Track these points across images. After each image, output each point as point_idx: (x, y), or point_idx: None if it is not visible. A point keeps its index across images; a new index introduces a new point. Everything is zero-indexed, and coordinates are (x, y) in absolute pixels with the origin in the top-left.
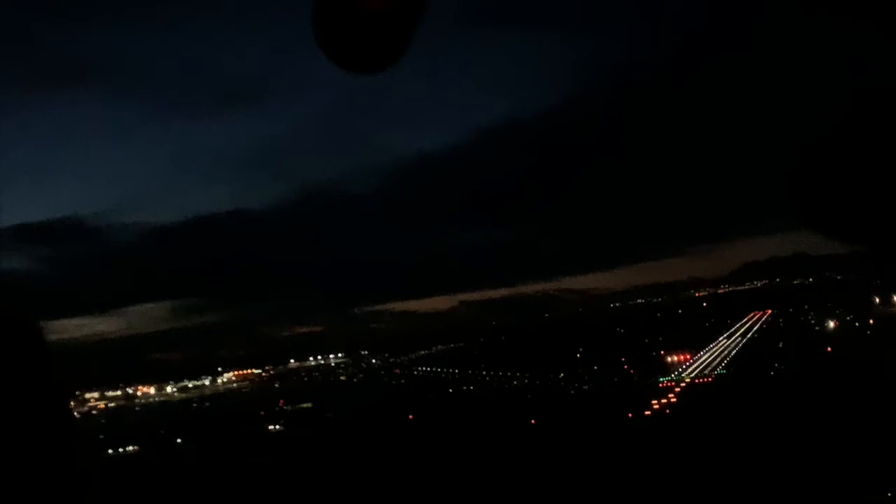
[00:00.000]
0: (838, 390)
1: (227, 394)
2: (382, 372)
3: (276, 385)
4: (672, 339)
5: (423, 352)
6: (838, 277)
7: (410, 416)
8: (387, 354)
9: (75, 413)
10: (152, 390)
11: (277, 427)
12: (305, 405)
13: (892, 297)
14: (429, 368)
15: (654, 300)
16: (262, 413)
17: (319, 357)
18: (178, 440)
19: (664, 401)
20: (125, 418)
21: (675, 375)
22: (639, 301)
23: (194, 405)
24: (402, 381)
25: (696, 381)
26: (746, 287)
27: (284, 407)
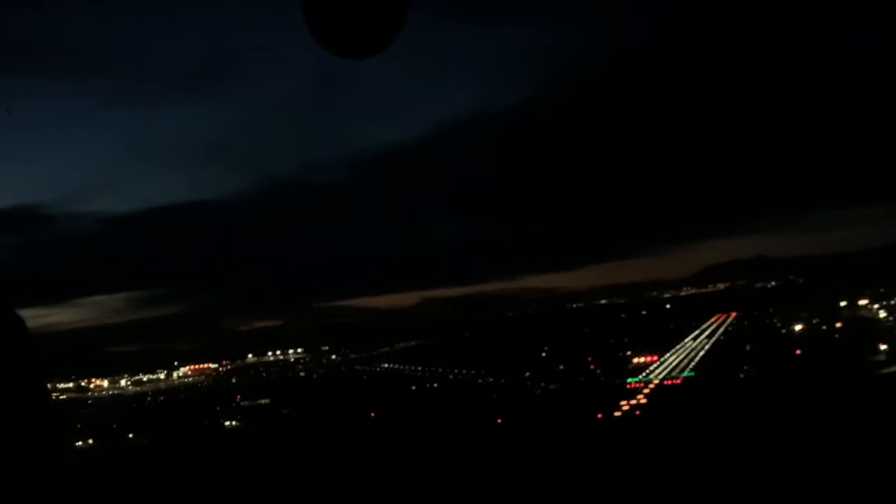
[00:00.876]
0: (809, 394)
1: (183, 388)
2: (343, 368)
3: (234, 380)
4: (637, 340)
5: (385, 348)
6: (800, 281)
7: (372, 414)
8: (348, 350)
9: (55, 404)
10: (105, 383)
11: (233, 423)
12: (263, 401)
13: (859, 301)
14: (391, 365)
15: (618, 301)
16: (218, 408)
17: (278, 352)
18: (130, 435)
19: (633, 402)
20: (77, 411)
21: (643, 377)
22: (602, 301)
23: (148, 399)
24: (364, 378)
25: (665, 382)
26: (709, 289)
27: (241, 402)
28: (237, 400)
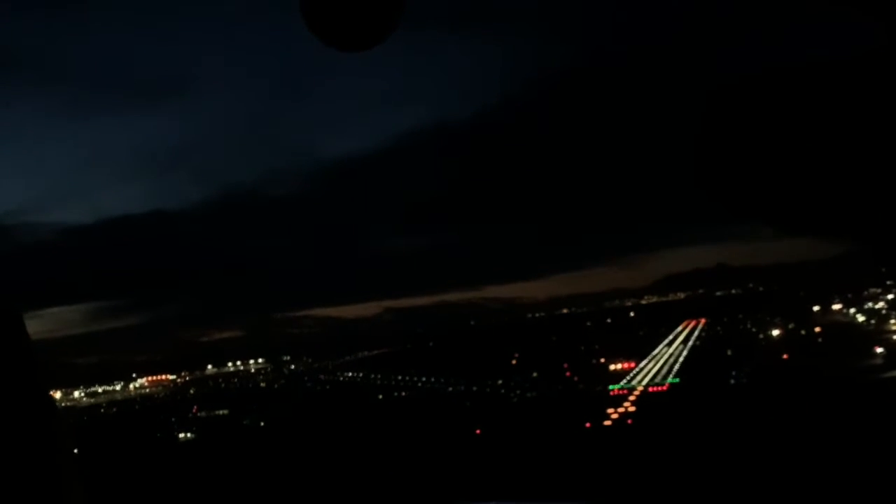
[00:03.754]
0: (812, 399)
1: (139, 399)
2: (305, 377)
3: (192, 391)
4: (609, 348)
5: (347, 357)
6: (760, 289)
7: (337, 423)
8: (310, 360)
9: (56, 404)
10: (58, 395)
11: (188, 435)
12: (221, 412)
13: (832, 307)
14: (355, 374)
15: (579, 310)
16: (173, 420)
17: (238, 362)
18: (75, 450)
19: (621, 410)
20: None
21: (626, 383)
22: (564, 311)
23: (101, 411)
24: (327, 387)
25: (650, 389)
26: (670, 298)
27: (198, 413)
28: (194, 411)
